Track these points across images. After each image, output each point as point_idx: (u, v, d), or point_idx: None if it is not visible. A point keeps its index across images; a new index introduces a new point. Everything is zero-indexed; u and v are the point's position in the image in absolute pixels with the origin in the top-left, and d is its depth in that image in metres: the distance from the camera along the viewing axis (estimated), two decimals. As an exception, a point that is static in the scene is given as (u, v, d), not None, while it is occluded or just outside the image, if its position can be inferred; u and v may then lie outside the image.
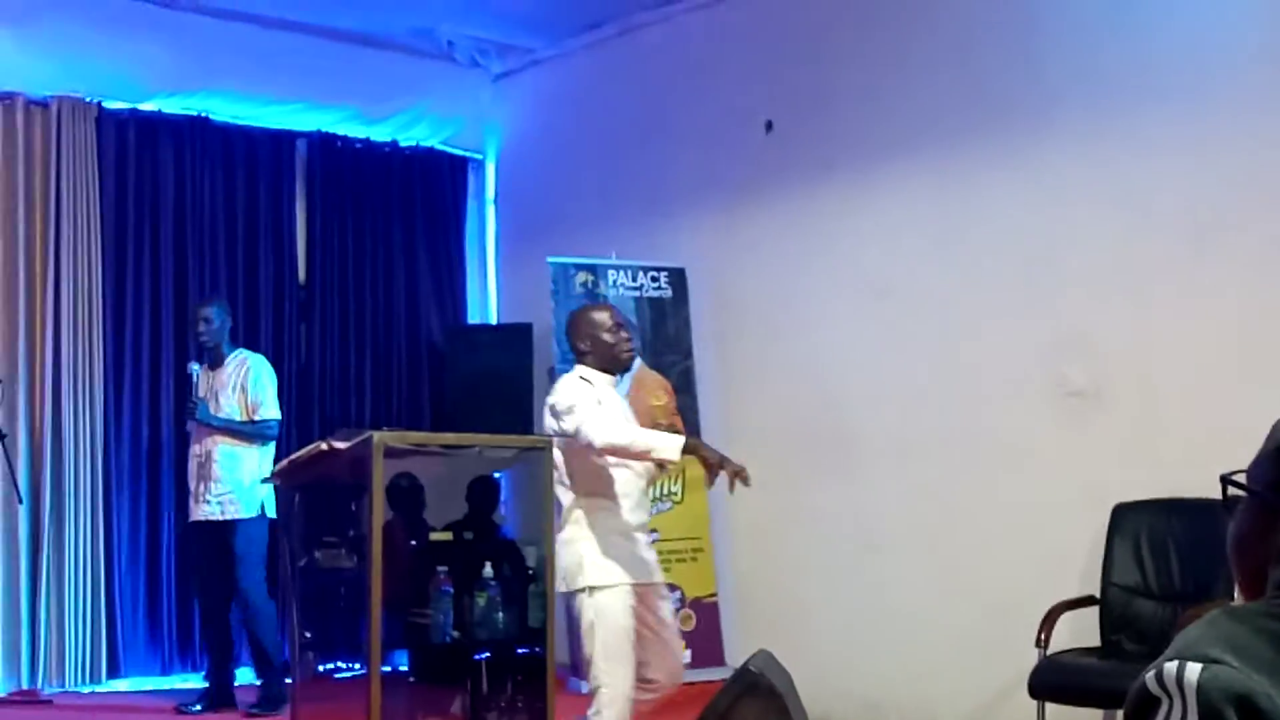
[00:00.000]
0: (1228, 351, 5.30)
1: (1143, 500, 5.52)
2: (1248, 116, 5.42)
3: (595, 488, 4.61)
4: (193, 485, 6.58)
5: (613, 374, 4.82)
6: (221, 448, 6.54)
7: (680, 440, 4.44)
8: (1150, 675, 1.19)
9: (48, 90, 7.26)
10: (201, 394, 6.65)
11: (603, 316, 4.85)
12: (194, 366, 6.75)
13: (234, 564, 6.48)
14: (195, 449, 6.63)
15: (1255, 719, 1.10)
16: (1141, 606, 5.49)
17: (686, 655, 7.05)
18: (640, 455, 4.51)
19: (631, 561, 4.58)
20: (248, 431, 6.66)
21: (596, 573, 4.50)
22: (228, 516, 6.49)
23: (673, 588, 7.14)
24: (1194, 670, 1.15)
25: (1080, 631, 5.58)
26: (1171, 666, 1.17)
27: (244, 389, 6.66)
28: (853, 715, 6.32)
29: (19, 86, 7.19)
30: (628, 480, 4.65)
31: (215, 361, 6.72)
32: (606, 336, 4.75)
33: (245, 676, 6.97)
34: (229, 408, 6.61)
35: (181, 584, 7.21)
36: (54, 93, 7.26)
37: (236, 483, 6.51)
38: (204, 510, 6.53)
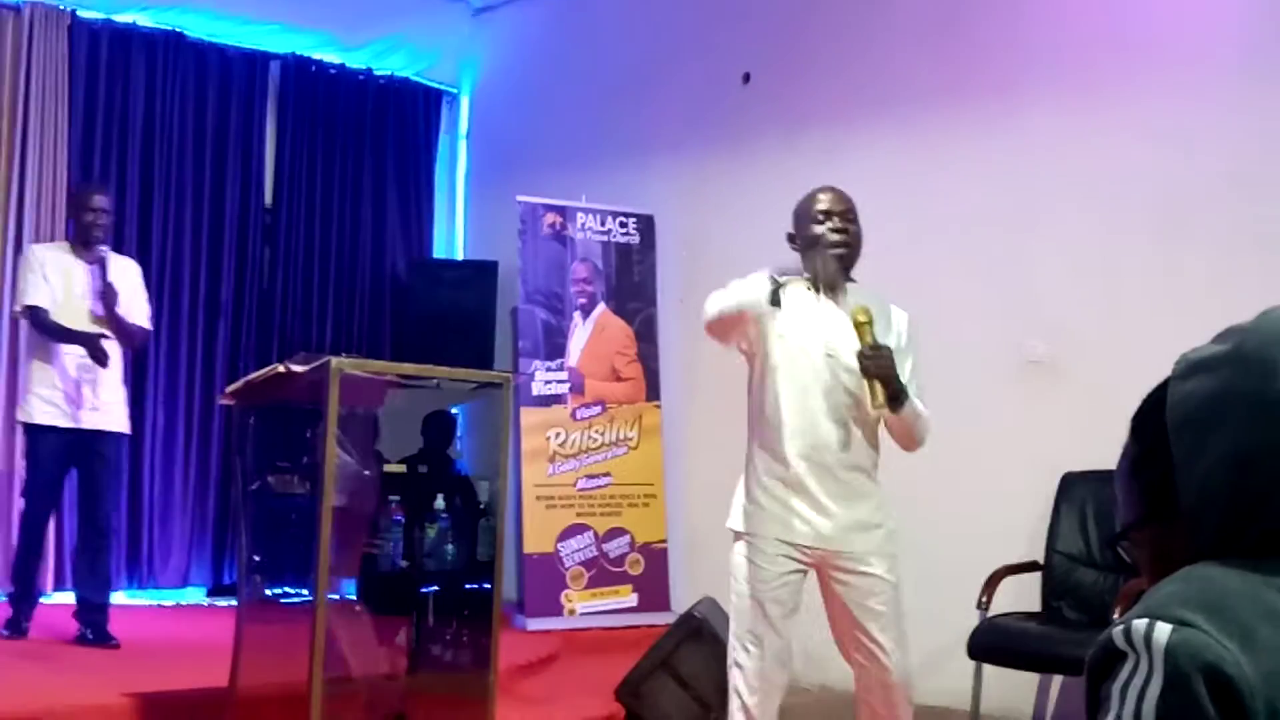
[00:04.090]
0: (1190, 332, 5.30)
1: (1091, 470, 5.59)
2: (1223, 100, 5.45)
3: (756, 419, 3.92)
4: (70, 390, 5.87)
5: (823, 278, 3.85)
6: (113, 351, 5.95)
7: (761, 273, 3.67)
8: (1119, 630, 1.16)
9: (21, -5, 7.16)
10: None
11: (811, 197, 3.91)
12: (104, 249, 6.00)
13: (109, 481, 6.05)
14: (74, 346, 5.91)
15: (1223, 688, 1.07)
16: (1083, 575, 5.57)
17: (633, 599, 7.13)
18: (738, 313, 3.74)
19: (786, 516, 3.80)
20: (141, 340, 6.29)
21: (736, 516, 3.90)
22: (113, 429, 6.01)
23: (622, 531, 7.20)
24: (1164, 631, 1.12)
25: (1022, 596, 5.65)
26: (1141, 624, 1.14)
27: (136, 290, 6.15)
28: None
29: (-9, -10, 7.09)
30: (796, 413, 3.80)
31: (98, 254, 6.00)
32: (814, 227, 3.86)
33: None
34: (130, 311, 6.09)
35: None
36: (27, -2, 7.17)
37: (122, 393, 6.09)
38: (93, 419, 5.92)
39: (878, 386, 3.65)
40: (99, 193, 6.18)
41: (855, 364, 3.68)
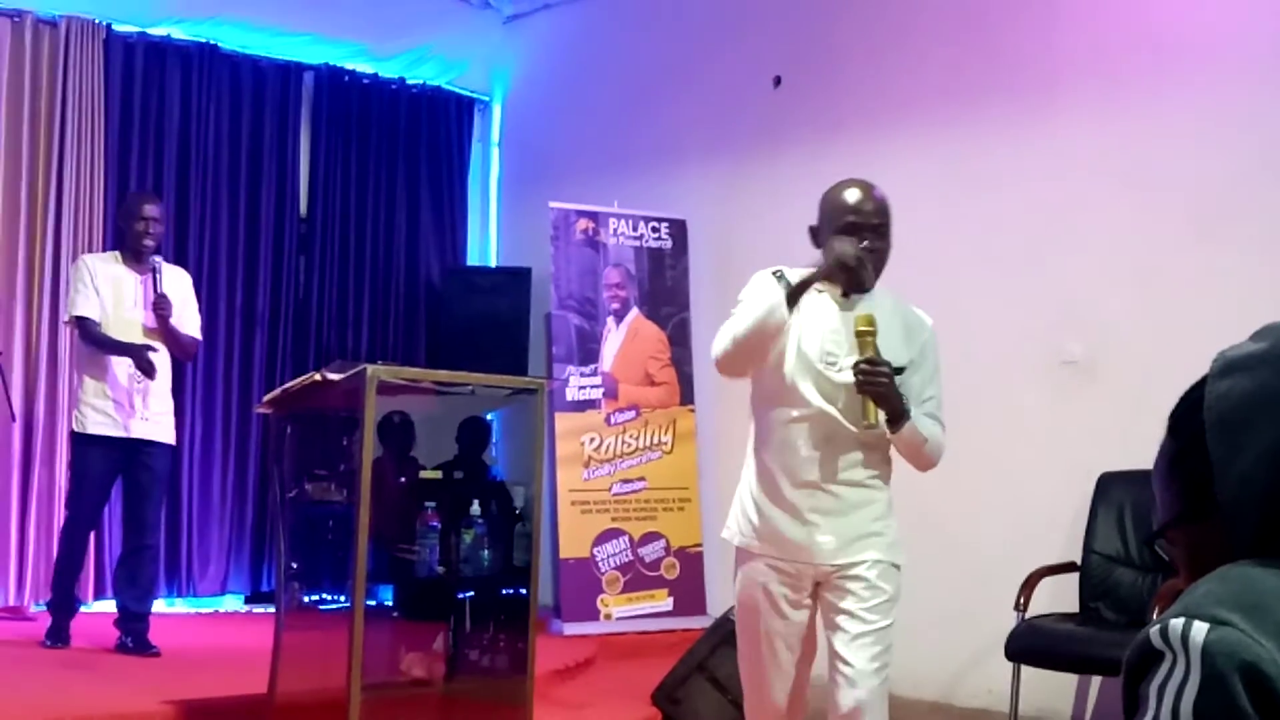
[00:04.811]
0: (1227, 332, 5.30)
1: (1128, 470, 5.56)
2: (1261, 98, 5.43)
3: (758, 432, 3.61)
4: (123, 399, 5.88)
5: (840, 286, 3.50)
6: (163, 362, 5.98)
7: (774, 288, 3.33)
8: (1155, 630, 1.15)
9: (57, 9, 7.22)
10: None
11: (841, 204, 3.49)
12: (157, 259, 6.00)
13: (154, 492, 6.03)
14: (127, 358, 5.90)
15: (1260, 687, 1.07)
16: (1121, 575, 5.55)
17: (669, 603, 7.14)
18: (756, 339, 3.36)
19: (776, 533, 3.47)
20: (193, 350, 6.30)
21: (732, 528, 3.62)
22: (161, 439, 6.02)
23: (658, 536, 7.21)
24: (1200, 630, 1.11)
25: (1060, 597, 5.63)
26: (1178, 624, 1.13)
27: (187, 300, 6.17)
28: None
29: (28, 4, 7.14)
30: (788, 426, 3.46)
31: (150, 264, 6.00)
32: (835, 239, 3.44)
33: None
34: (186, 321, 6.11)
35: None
36: (63, 12, 7.22)
37: (170, 404, 6.11)
38: (142, 428, 5.92)
39: (870, 405, 3.33)
40: (150, 201, 6.17)
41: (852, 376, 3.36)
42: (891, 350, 3.39)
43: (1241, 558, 1.22)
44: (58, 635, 6.02)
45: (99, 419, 5.89)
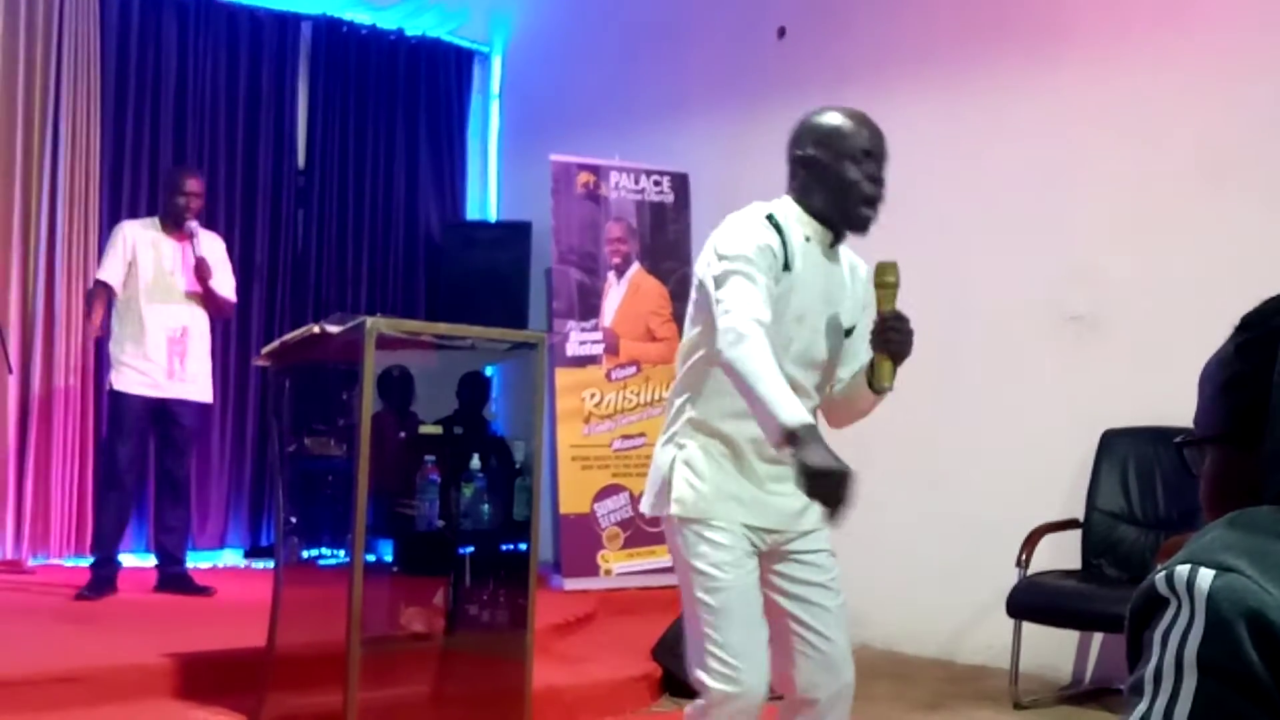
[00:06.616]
0: (1232, 288, 5.29)
1: (1132, 427, 5.54)
2: (1267, 50, 5.37)
3: (708, 380, 3.04)
4: (160, 359, 6.19)
5: (835, 228, 3.09)
6: (202, 323, 6.34)
7: (795, 421, 2.61)
8: (1161, 575, 1.13)
9: (51, -40, 7.15)
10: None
11: (851, 129, 3.11)
12: (194, 224, 6.32)
13: (187, 447, 6.45)
14: (165, 320, 6.22)
15: (1265, 634, 1.05)
16: (1124, 532, 5.54)
17: (668, 559, 7.11)
18: (754, 410, 2.74)
19: (748, 497, 3.04)
20: (230, 311, 6.64)
21: (685, 499, 3.04)
22: (196, 398, 6.34)
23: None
24: (1206, 577, 1.09)
25: (1062, 554, 5.62)
26: (1184, 570, 1.11)
27: (221, 263, 6.45)
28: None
29: (23, -46, 7.07)
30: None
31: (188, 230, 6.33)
32: (847, 167, 3.05)
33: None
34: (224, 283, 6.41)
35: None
36: (58, -37, 7.16)
37: (208, 364, 6.41)
38: (176, 389, 6.25)
39: (888, 365, 2.97)
40: (193, 176, 6.47)
41: (842, 328, 3.06)
42: (855, 306, 3.12)
43: (1264, 502, 1.19)
44: (106, 585, 6.17)
45: (136, 378, 6.18)
